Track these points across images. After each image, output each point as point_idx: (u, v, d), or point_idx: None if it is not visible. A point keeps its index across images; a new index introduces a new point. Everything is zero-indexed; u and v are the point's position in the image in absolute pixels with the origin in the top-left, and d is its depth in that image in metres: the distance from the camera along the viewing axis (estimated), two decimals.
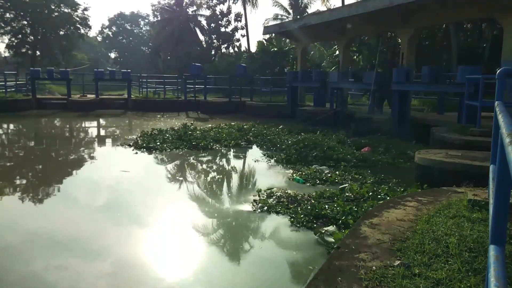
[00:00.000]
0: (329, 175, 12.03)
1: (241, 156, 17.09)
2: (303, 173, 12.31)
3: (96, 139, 21.58)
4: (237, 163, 15.68)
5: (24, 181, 12.53)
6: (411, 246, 4.76)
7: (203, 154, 16.66)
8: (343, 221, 8.04)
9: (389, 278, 3.98)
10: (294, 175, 12.19)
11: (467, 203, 6.07)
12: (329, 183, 11.37)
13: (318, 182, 11.42)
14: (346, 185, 10.72)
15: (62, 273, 6.34)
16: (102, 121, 28.83)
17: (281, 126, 22.42)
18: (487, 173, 5.64)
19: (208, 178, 13.09)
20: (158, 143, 17.79)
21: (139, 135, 19.89)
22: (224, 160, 16.40)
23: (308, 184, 11.23)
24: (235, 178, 13.29)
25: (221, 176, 13.45)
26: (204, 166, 15.09)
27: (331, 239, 7.21)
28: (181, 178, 13.17)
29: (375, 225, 5.60)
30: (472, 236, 4.83)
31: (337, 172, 12.52)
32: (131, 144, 18.10)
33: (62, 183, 12.39)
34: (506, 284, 2.30)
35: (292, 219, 8.46)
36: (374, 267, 4.24)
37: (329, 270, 4.30)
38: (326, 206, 8.87)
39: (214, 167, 15.11)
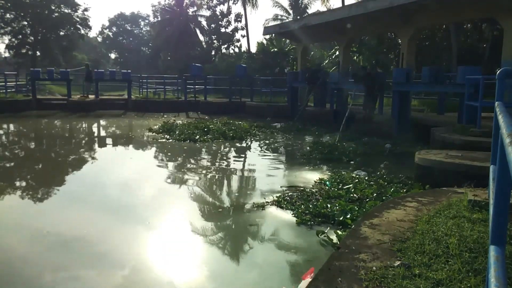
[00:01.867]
0: (365, 178, 11.87)
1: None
2: (337, 176, 12.08)
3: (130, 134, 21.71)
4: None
5: (55, 182, 12.42)
6: (411, 246, 4.76)
7: (243, 145, 19.27)
8: (341, 221, 8.11)
9: (389, 278, 3.98)
10: (325, 177, 12.11)
11: (467, 203, 6.07)
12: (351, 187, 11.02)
13: (340, 186, 11.08)
14: (351, 185, 10.73)
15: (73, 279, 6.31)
16: (125, 120, 28.76)
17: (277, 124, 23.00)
18: (487, 173, 5.64)
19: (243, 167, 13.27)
20: (198, 136, 19.65)
21: (176, 127, 22.03)
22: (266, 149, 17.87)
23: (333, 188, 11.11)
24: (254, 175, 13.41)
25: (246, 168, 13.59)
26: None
27: (334, 238, 7.26)
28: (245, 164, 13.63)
29: (375, 225, 5.60)
30: (472, 237, 4.83)
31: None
32: (168, 138, 19.69)
33: (112, 178, 12.65)
34: (507, 284, 2.30)
35: (296, 217, 8.58)
36: (374, 268, 4.24)
37: (329, 271, 4.30)
38: (328, 205, 8.93)
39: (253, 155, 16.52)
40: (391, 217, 5.94)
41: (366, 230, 5.43)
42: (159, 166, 15.07)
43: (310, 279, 4.94)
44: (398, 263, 4.30)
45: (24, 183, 12.29)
